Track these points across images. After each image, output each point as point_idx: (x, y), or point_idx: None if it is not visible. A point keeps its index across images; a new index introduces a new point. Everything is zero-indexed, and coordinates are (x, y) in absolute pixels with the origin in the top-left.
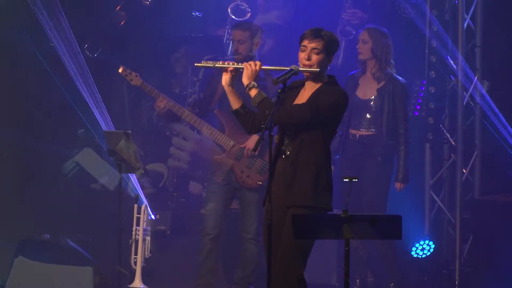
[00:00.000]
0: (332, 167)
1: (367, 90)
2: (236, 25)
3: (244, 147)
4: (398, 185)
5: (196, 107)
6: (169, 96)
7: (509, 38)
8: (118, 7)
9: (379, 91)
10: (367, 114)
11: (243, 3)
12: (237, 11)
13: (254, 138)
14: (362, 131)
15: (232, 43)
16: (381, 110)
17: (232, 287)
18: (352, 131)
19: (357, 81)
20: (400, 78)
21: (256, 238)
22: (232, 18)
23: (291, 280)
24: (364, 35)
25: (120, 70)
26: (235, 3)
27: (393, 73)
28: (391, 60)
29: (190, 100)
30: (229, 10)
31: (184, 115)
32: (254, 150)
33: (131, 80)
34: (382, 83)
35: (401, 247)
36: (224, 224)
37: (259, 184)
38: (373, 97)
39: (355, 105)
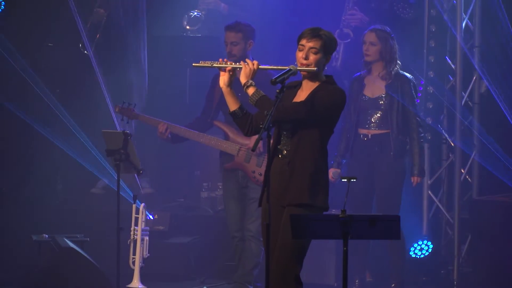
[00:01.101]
0: (339, 170)
1: (376, 89)
2: (228, 27)
3: (250, 148)
4: (414, 179)
5: (196, 126)
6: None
7: (507, 38)
8: (96, 7)
9: (387, 88)
10: (377, 113)
11: (195, 10)
12: (192, 20)
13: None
14: (373, 130)
15: (225, 45)
16: (390, 107)
17: (231, 286)
18: (363, 131)
19: (363, 81)
20: (407, 74)
21: (257, 236)
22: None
23: (288, 280)
24: (371, 37)
25: (116, 110)
26: (189, 13)
27: (399, 70)
28: (398, 60)
29: (190, 123)
30: (184, 21)
31: (187, 135)
32: (253, 150)
33: (129, 116)
34: (390, 81)
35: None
36: (245, 223)
37: None
38: (382, 95)
39: (363, 104)
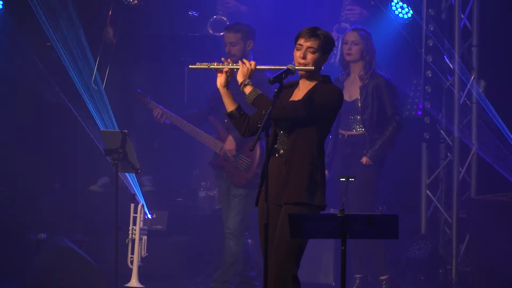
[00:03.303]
0: (327, 172)
1: (353, 92)
2: (228, 28)
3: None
4: (364, 159)
5: (190, 119)
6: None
7: (505, 37)
8: (107, 26)
9: (361, 89)
10: (356, 115)
11: (223, 16)
12: (217, 25)
13: (231, 139)
14: (349, 131)
15: (225, 45)
16: (364, 108)
17: (211, 285)
18: (341, 131)
19: (342, 84)
20: (383, 74)
21: (236, 233)
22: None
23: (286, 279)
24: (354, 37)
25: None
26: (214, 17)
27: (375, 70)
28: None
29: (185, 114)
30: (208, 26)
31: (178, 123)
32: (251, 149)
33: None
34: (365, 81)
35: (397, 247)
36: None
37: (246, 181)
38: (358, 98)
39: (342, 107)
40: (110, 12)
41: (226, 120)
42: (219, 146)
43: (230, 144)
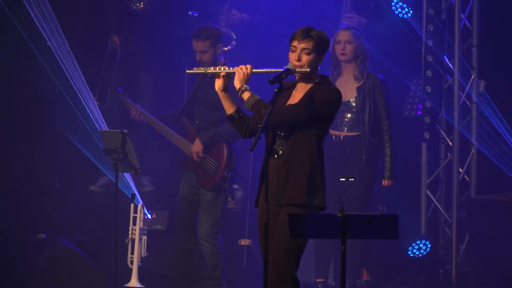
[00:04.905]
0: None
1: (347, 91)
2: (195, 36)
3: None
4: (385, 182)
5: (169, 119)
6: None
7: (505, 37)
8: (113, 34)
9: (358, 89)
10: (349, 115)
11: (230, 31)
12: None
13: (197, 141)
14: (345, 132)
15: (195, 53)
16: (362, 109)
17: None
18: (335, 132)
19: (333, 83)
20: (379, 75)
21: (207, 239)
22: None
23: (285, 279)
24: (347, 36)
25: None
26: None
27: (370, 71)
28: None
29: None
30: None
31: (155, 125)
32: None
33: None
34: (362, 81)
35: (397, 247)
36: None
37: (214, 184)
38: (353, 98)
39: None
40: (115, 20)
41: (197, 122)
42: (188, 148)
43: (196, 146)
